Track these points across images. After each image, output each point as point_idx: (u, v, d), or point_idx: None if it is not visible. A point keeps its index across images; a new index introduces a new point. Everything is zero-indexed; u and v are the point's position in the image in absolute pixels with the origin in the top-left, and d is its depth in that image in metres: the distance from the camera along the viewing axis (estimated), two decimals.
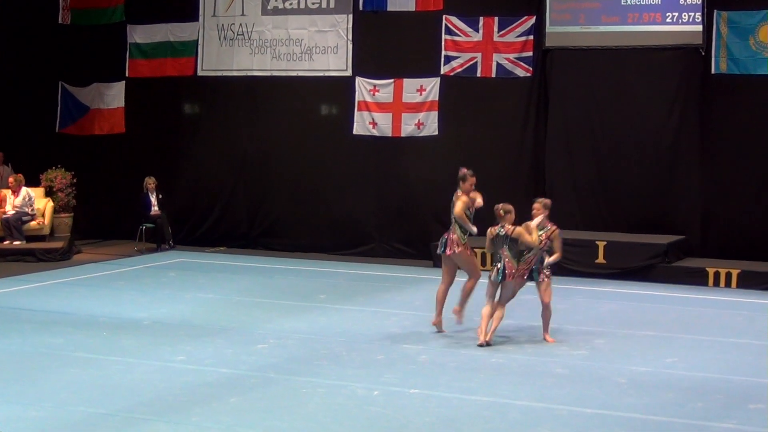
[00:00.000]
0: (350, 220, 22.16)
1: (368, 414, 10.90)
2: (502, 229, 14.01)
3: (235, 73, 22.96)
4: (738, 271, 18.64)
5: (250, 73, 22.85)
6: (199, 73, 23.23)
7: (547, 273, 14.34)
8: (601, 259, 19.57)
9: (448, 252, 14.67)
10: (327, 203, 22.39)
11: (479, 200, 14.81)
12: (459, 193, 14.75)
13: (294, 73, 22.55)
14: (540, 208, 14.45)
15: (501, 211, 14.08)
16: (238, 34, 22.90)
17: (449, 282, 14.87)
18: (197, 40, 23.18)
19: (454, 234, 14.68)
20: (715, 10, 19.61)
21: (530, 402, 11.39)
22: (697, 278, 18.84)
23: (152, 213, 22.48)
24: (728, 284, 18.58)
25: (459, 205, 14.64)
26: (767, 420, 10.89)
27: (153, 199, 22.56)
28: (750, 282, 18.26)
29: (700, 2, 19.60)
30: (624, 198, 20.48)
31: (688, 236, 19.93)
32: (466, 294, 14.79)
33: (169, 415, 10.77)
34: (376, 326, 15.15)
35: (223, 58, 23.05)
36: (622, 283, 18.90)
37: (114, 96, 23.85)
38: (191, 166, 23.37)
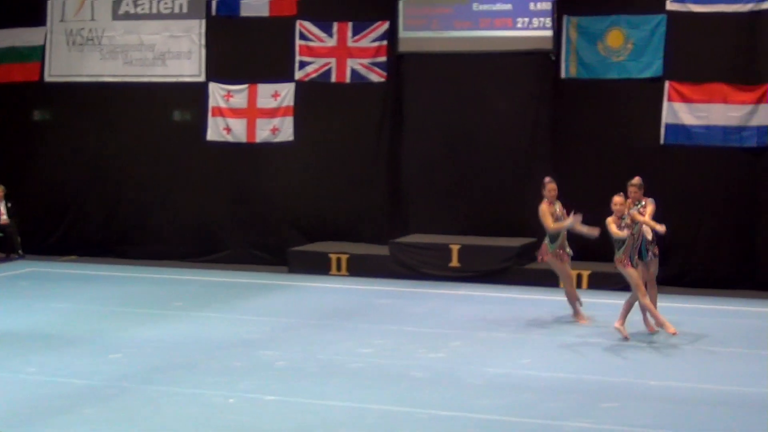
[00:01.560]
0: (205, 227, 21.98)
1: (225, 422, 10.82)
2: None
3: (85, 79, 22.59)
4: (588, 272, 18.95)
5: (101, 79, 22.51)
6: (47, 78, 22.80)
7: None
8: (455, 263, 19.72)
9: (538, 259, 16.43)
10: (182, 210, 22.18)
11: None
12: (543, 204, 16.07)
13: (147, 79, 22.28)
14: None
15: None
16: (87, 39, 22.54)
17: (567, 282, 16.23)
18: (44, 45, 22.76)
19: (544, 241, 16.11)
20: (565, 16, 19.92)
21: (388, 406, 11.41)
22: (549, 280, 19.09)
23: (1, 222, 22.01)
24: (579, 285, 18.86)
25: (543, 218, 15.97)
26: (620, 418, 11.09)
27: (2, 207, 22.09)
28: (600, 282, 18.58)
29: (550, 8, 19.89)
30: (478, 201, 20.67)
31: (540, 238, 20.14)
32: (573, 297, 16.10)
33: (22, 428, 10.54)
34: (233, 333, 15.05)
35: (72, 63, 22.66)
36: (477, 285, 19.07)
37: None
38: (41, 173, 22.92)
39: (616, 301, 16.12)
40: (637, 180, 15.24)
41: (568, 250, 16.02)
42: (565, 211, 15.95)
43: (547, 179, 16.13)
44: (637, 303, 14.82)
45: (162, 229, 22.24)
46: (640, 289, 14.59)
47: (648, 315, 15.00)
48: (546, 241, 16.05)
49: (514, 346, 14.41)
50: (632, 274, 14.53)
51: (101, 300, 17.65)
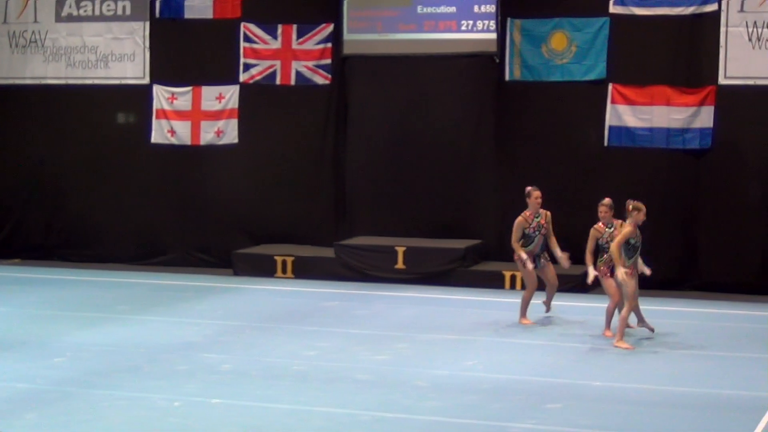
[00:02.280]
0: (150, 230, 21.85)
1: (169, 425, 10.78)
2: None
3: (28, 81, 22.39)
4: None
5: (44, 81, 22.32)
6: None
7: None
8: (400, 265, 19.74)
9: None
10: (125, 213, 22.02)
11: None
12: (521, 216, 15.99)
13: (90, 81, 22.12)
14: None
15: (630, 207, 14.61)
16: (30, 41, 22.35)
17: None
18: None
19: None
20: (509, 19, 19.98)
21: (333, 408, 11.40)
22: (494, 281, 19.18)
23: None
24: (524, 287, 18.88)
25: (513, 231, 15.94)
26: (564, 419, 11.14)
27: None
28: (545, 285, 18.63)
29: (494, 11, 19.96)
30: (424, 204, 20.69)
31: (485, 240, 20.27)
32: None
33: None
34: (177, 336, 14.97)
35: (15, 65, 22.45)
36: (422, 287, 19.09)
37: None
38: None
39: (560, 303, 16.23)
40: (607, 201, 15.28)
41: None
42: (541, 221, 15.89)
43: (529, 188, 16.12)
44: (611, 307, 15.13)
45: (107, 232, 22.08)
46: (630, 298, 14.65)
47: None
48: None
49: (459, 348, 14.45)
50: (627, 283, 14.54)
51: (44, 303, 17.51)
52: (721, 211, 19.15)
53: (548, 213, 16.07)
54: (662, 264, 19.05)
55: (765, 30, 18.80)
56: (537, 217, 15.98)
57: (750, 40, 18.89)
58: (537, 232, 15.91)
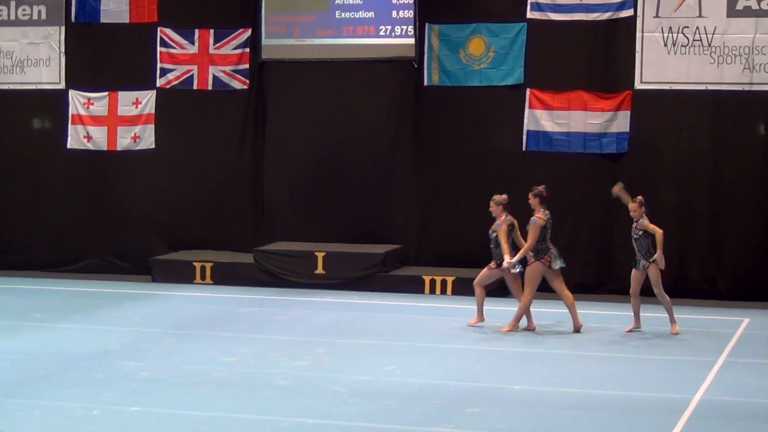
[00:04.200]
0: (66, 236, 21.61)
1: None
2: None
3: None
4: (453, 278, 19.10)
5: None
6: None
7: None
8: (320, 270, 19.71)
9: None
10: (41, 219, 21.76)
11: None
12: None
13: (5, 86, 21.83)
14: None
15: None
16: None
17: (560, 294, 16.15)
18: None
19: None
20: (427, 24, 20.06)
21: (252, 415, 11.36)
22: (414, 286, 19.22)
23: None
24: (444, 291, 19.03)
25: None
26: (483, 423, 11.18)
27: None
28: (465, 289, 18.68)
29: (412, 16, 20.01)
30: (343, 209, 20.68)
31: (404, 245, 20.30)
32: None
33: None
34: (94, 344, 14.81)
35: None
36: (342, 293, 19.09)
37: None
38: None
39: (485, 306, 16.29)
40: (639, 199, 15.91)
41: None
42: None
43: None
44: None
45: (21, 239, 21.81)
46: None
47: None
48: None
49: (379, 353, 14.45)
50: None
51: None
52: None
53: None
54: (579, 268, 19.26)
55: (680, 35, 19.03)
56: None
57: (665, 45, 19.11)
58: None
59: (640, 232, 15.74)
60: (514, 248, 15.93)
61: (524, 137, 19.70)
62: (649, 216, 15.84)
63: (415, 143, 20.35)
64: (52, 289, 19.66)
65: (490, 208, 15.89)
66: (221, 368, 13.41)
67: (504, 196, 15.89)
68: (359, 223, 20.59)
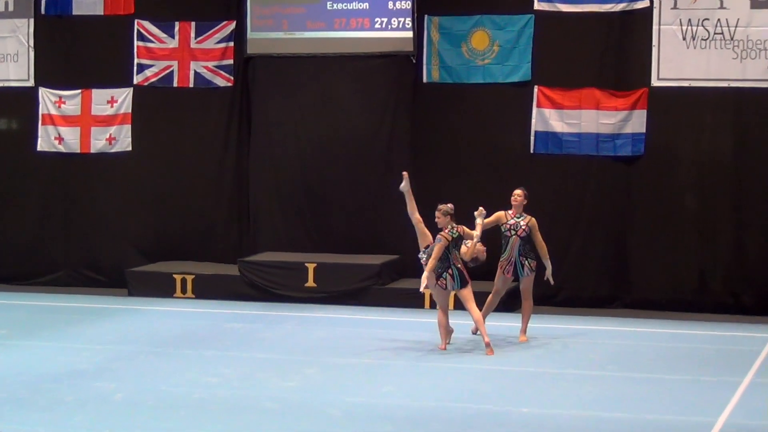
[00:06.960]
0: (35, 246, 21.61)
1: None
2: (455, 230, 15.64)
3: None
4: (454, 292, 18.93)
5: None
6: None
7: None
8: (311, 283, 19.65)
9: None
10: (8, 228, 21.80)
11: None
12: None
13: None
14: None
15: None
16: None
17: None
18: None
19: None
20: (426, 15, 20.01)
21: None
22: (413, 300, 19.10)
23: None
24: None
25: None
26: None
27: None
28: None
29: (410, 7, 19.94)
30: (335, 216, 20.66)
31: (402, 256, 20.17)
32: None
33: None
34: (64, 363, 14.75)
35: None
36: (335, 307, 19.07)
37: None
38: None
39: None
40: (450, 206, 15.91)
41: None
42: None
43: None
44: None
45: None
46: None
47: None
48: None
49: (375, 373, 14.39)
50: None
51: None
52: (654, 223, 19.28)
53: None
54: (592, 280, 19.23)
55: (699, 28, 18.95)
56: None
57: (684, 39, 19.03)
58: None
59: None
60: (533, 250, 16.22)
61: (532, 138, 19.66)
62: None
63: (413, 145, 20.30)
64: (19, 303, 19.61)
65: (436, 219, 15.80)
66: (202, 390, 13.33)
67: (450, 206, 15.83)
68: (353, 232, 20.54)
